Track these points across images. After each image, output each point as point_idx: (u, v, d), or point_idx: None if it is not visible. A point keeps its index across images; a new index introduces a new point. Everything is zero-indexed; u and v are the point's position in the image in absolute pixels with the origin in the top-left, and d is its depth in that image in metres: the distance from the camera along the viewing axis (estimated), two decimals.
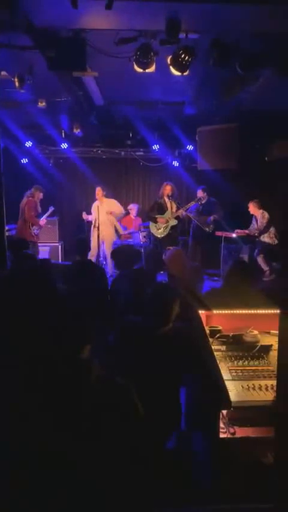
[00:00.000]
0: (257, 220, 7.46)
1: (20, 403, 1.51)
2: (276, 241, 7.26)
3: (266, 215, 7.33)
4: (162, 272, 7.03)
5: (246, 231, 7.50)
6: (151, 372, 2.19)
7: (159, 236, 7.40)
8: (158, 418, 1.83)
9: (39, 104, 6.10)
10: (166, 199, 7.34)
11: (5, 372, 1.68)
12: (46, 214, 7.54)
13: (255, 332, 2.74)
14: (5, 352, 2.12)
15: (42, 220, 7.36)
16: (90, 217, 7.69)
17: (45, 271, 3.48)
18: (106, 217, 7.47)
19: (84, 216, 7.74)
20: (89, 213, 7.80)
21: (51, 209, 7.64)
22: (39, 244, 7.51)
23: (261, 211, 7.39)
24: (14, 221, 7.34)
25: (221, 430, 2.02)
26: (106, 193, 7.85)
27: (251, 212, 7.50)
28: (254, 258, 7.34)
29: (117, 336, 2.50)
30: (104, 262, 7.53)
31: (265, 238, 7.31)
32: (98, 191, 7.64)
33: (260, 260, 7.30)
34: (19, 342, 2.13)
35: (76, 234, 7.75)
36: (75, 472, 1.44)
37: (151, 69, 4.26)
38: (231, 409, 2.00)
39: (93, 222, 7.45)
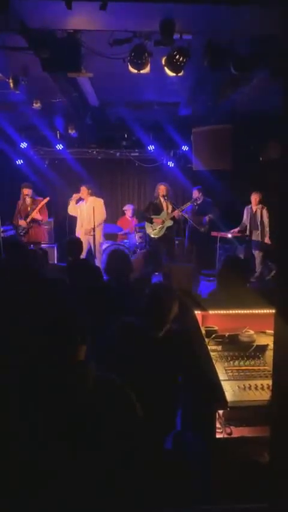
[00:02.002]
0: (254, 215, 7.35)
1: (16, 405, 1.50)
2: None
3: (266, 209, 7.24)
4: (157, 273, 7.04)
5: (239, 231, 7.47)
6: (148, 372, 2.19)
7: (154, 237, 7.40)
8: (155, 418, 1.83)
9: (34, 105, 6.08)
10: (162, 200, 7.34)
11: (1, 373, 1.67)
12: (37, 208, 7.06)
13: (251, 332, 2.74)
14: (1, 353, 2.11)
15: (22, 221, 6.98)
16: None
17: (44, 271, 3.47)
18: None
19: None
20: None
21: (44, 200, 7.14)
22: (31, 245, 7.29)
23: (261, 205, 7.30)
24: (10, 222, 7.31)
25: (217, 430, 2.03)
26: (102, 194, 7.72)
27: (253, 203, 7.33)
28: (249, 256, 7.33)
29: (115, 336, 2.49)
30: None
31: (266, 239, 7.22)
32: (84, 190, 7.14)
33: (260, 259, 7.27)
34: (15, 342, 2.12)
35: (72, 235, 7.72)
36: (74, 472, 1.44)
37: (146, 70, 4.27)
38: (228, 409, 2.01)
39: (81, 222, 7.24)
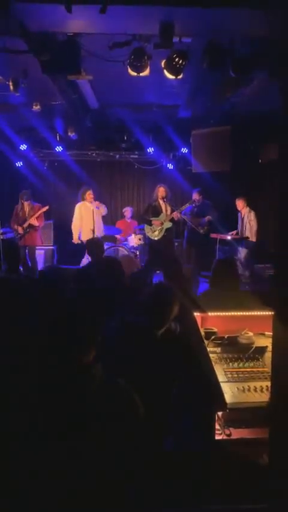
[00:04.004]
0: (242, 219, 7.45)
1: (24, 405, 1.51)
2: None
3: (253, 213, 7.36)
4: (158, 272, 7.04)
5: (237, 233, 7.53)
6: (148, 372, 2.20)
7: (154, 239, 7.40)
8: (155, 418, 1.84)
9: (34, 107, 6.10)
10: (161, 202, 7.34)
11: (11, 373, 1.68)
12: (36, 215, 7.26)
13: (250, 334, 2.76)
14: (9, 354, 2.11)
15: (19, 227, 7.14)
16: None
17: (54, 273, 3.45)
18: (100, 221, 7.39)
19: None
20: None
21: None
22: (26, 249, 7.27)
23: (248, 208, 7.42)
24: (9, 224, 7.33)
25: (216, 431, 2.03)
26: (101, 196, 7.75)
27: (239, 208, 7.50)
28: (239, 258, 7.38)
29: (116, 336, 2.49)
30: None
31: (253, 238, 7.34)
32: (91, 194, 7.33)
33: (245, 260, 7.31)
34: (25, 344, 2.12)
35: (71, 237, 7.73)
36: (74, 472, 1.45)
37: (145, 72, 4.28)
38: (227, 410, 2.01)
39: (86, 225, 7.32)
